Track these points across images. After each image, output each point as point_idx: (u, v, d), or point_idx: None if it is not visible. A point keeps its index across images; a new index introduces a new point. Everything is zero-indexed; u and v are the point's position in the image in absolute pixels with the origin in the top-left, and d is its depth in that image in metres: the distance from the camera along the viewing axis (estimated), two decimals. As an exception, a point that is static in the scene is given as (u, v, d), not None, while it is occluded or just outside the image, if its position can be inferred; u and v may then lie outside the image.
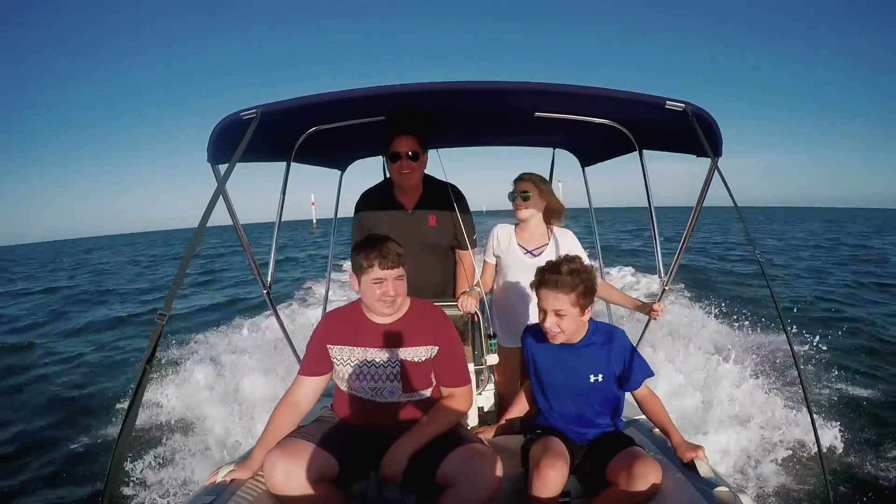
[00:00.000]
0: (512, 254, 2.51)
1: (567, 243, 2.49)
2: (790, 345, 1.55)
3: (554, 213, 2.52)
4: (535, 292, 1.81)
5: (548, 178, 3.56)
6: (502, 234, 2.55)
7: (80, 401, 5.81)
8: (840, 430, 3.93)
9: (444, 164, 2.65)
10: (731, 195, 1.65)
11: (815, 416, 1.57)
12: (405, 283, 1.75)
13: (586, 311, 1.78)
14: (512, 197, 2.47)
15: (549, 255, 2.42)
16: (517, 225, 2.53)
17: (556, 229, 2.53)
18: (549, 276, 1.74)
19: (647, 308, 2.31)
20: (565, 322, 1.75)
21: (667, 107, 1.64)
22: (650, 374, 1.87)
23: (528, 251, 2.49)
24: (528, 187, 2.43)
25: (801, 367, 1.75)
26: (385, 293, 1.68)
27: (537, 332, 1.92)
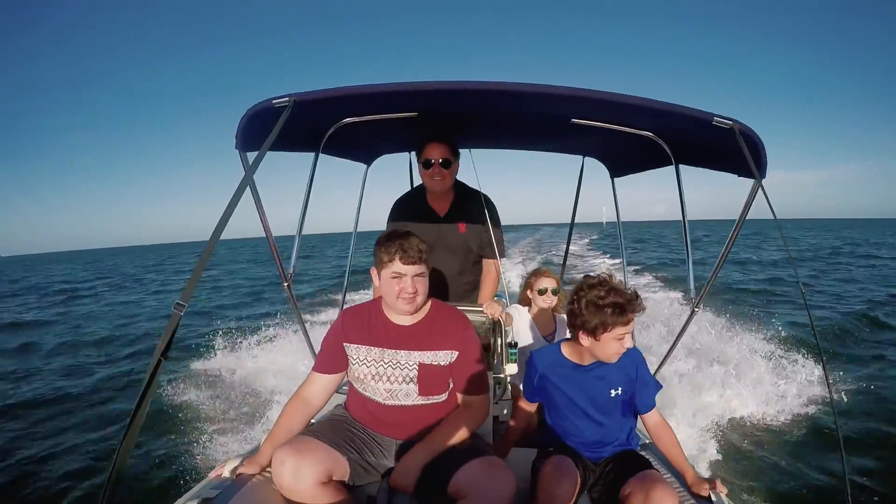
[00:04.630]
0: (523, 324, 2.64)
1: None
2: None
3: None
4: (620, 319, 1.67)
5: (576, 188, 3.54)
6: (518, 316, 2.65)
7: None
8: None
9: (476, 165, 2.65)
10: (774, 215, 1.61)
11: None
12: (426, 282, 1.71)
13: None
14: (542, 291, 2.60)
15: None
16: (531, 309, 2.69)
17: (558, 316, 2.69)
18: (634, 303, 1.66)
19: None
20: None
21: (714, 123, 1.58)
22: (659, 386, 1.85)
23: (542, 336, 2.64)
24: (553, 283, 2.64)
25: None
26: (403, 289, 1.64)
27: (552, 356, 1.88)
